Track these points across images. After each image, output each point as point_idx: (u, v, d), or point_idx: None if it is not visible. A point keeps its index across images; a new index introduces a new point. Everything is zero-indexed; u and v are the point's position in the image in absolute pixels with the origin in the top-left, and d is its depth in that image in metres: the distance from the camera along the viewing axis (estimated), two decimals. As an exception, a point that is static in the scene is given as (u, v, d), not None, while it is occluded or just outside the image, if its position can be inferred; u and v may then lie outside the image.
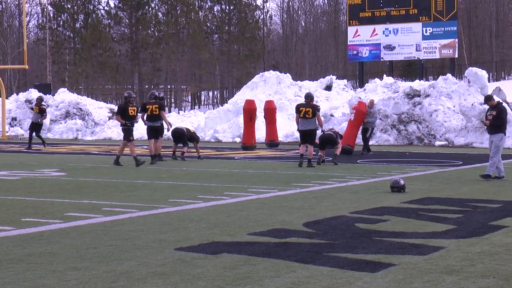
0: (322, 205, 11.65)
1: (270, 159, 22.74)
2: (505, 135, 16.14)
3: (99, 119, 40.13)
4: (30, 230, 9.17)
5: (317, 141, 20.24)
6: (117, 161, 19.64)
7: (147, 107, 20.69)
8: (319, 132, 20.85)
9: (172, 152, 22.11)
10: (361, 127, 25.05)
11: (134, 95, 20.84)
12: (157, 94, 21.26)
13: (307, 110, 19.21)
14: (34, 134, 28.32)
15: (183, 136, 21.99)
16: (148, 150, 21.17)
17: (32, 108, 30.41)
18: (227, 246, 8.09)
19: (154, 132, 20.63)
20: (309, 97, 19.78)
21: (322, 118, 20.42)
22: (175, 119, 39.62)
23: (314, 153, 19.74)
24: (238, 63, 75.23)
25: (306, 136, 19.40)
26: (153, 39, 74.65)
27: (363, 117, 24.78)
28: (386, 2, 46.07)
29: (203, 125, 36.15)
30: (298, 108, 19.51)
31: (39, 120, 28.32)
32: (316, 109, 19.35)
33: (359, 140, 25.85)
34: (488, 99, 16.35)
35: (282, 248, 7.98)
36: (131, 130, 19.84)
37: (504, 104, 17.23)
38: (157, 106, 20.50)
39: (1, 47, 78.20)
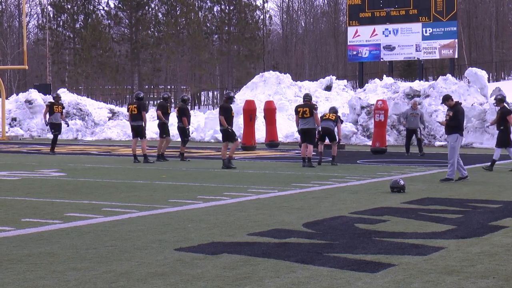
0: (322, 205, 11.65)
1: (270, 159, 22.74)
2: (461, 135, 15.88)
3: (99, 120, 40.13)
4: (29, 230, 9.17)
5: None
6: (228, 163, 19.00)
7: (129, 107, 21.59)
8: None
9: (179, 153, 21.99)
10: (405, 129, 25.40)
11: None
12: (141, 96, 21.87)
13: (305, 109, 19.41)
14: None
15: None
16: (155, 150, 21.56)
17: (51, 108, 24.96)
18: (227, 247, 8.09)
19: (133, 131, 21.39)
20: (307, 97, 20.05)
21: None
22: (175, 119, 39.57)
23: (314, 153, 19.78)
24: (238, 63, 75.22)
25: (306, 135, 19.49)
26: (153, 40, 74.66)
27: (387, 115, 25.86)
28: (386, 2, 46.08)
29: (203, 126, 36.13)
30: (296, 109, 19.80)
31: (62, 119, 25.39)
32: (313, 107, 19.48)
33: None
34: (445, 99, 16.22)
35: (282, 249, 7.98)
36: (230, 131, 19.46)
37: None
38: (135, 106, 21.12)
39: (1, 47, 78.19)
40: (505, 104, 19.79)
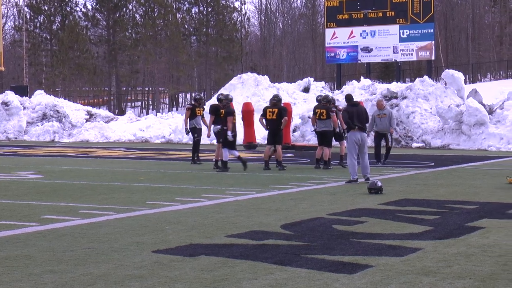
0: (300, 207, 11.67)
1: (247, 161, 22.71)
2: (351, 135, 15.70)
3: (76, 122, 39.94)
4: (6, 233, 9.10)
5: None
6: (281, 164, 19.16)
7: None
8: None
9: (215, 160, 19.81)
10: (373, 133, 21.91)
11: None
12: (218, 97, 20.29)
13: (322, 111, 19.46)
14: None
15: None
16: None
17: (192, 111, 21.15)
18: (205, 248, 8.08)
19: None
20: (325, 99, 20.02)
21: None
22: (153, 121, 39.50)
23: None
24: (216, 65, 75.15)
25: (322, 137, 19.59)
26: (131, 41, 74.43)
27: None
28: (364, 4, 46.26)
29: (181, 127, 36.06)
30: (314, 109, 19.84)
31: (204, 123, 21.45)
32: (329, 109, 19.55)
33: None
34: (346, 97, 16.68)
35: (260, 250, 7.98)
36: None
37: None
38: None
39: (-23, 49, 77.60)
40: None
